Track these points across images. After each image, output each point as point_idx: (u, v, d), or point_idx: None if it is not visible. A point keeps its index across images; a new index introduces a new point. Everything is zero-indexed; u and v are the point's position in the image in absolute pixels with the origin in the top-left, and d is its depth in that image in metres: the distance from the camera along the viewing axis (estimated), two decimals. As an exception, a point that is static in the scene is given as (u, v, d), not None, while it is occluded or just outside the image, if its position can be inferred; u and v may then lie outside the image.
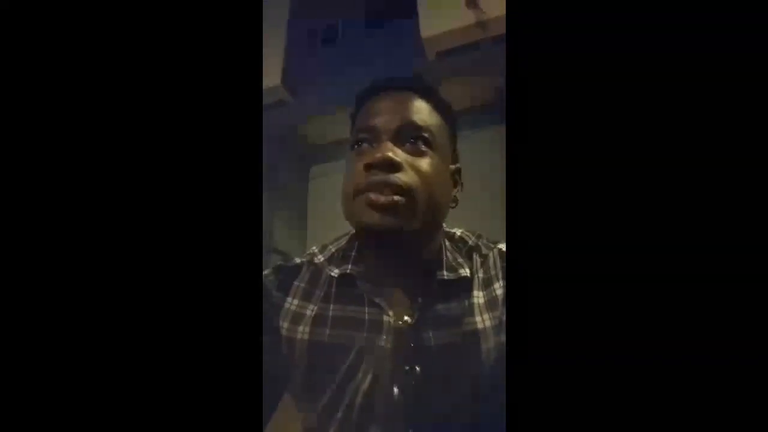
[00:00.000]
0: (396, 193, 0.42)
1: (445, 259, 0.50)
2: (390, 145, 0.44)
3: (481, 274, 0.50)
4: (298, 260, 0.54)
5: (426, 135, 0.46)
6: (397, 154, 0.44)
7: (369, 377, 0.45)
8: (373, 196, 0.42)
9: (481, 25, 1.32)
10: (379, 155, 0.43)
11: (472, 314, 0.47)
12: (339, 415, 0.46)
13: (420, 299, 0.47)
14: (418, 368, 0.44)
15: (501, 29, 1.28)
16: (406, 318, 0.46)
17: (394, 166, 0.43)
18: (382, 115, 0.46)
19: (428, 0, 1.45)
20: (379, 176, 0.43)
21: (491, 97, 1.57)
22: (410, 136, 0.46)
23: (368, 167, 0.43)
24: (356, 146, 0.47)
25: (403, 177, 0.43)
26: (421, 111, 0.47)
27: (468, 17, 1.32)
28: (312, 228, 1.92)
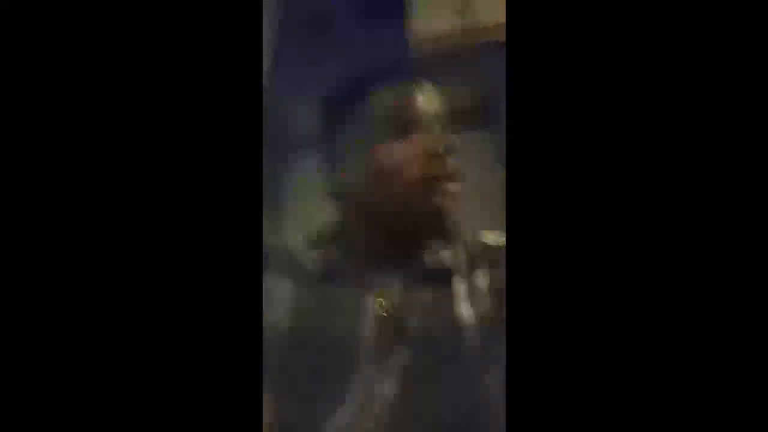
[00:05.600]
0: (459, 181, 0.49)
1: (430, 248, 0.51)
2: (446, 136, 0.50)
3: (464, 265, 0.51)
4: (280, 246, 0.54)
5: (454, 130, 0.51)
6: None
7: (350, 364, 0.45)
8: (452, 186, 0.48)
9: (473, 31, 1.33)
10: (445, 142, 0.48)
11: (455, 302, 0.48)
12: (317, 401, 0.45)
13: (403, 286, 0.48)
14: (399, 354, 0.45)
15: (494, 36, 1.30)
16: (389, 305, 0.47)
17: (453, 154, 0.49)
18: (426, 104, 0.50)
19: (420, 2, 1.45)
20: (448, 163, 0.48)
21: (481, 103, 1.58)
22: (455, 124, 0.51)
23: (431, 157, 0.47)
24: (399, 131, 0.49)
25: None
26: (452, 101, 0.53)
27: (460, 22, 1.33)
28: (290, 220, 1.89)
